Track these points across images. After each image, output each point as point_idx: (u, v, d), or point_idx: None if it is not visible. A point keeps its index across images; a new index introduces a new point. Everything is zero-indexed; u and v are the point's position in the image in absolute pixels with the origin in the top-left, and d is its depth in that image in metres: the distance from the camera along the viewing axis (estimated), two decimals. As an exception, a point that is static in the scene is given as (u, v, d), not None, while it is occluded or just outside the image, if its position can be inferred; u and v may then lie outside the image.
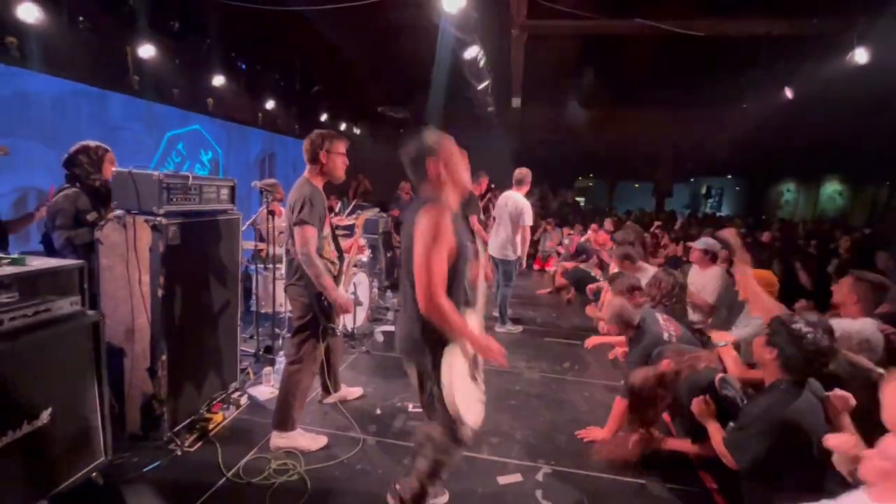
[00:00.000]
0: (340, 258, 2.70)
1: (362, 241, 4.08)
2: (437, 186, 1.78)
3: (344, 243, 2.87)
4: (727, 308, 3.54)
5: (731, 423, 2.05)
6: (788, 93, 7.08)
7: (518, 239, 4.66)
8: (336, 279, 2.58)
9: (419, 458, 1.90)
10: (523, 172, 4.76)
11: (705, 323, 3.70)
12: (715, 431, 2.13)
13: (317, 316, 2.48)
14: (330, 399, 3.04)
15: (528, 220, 4.60)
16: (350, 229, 3.85)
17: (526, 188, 4.77)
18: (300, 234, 2.35)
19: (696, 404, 2.23)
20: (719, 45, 6.57)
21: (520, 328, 4.94)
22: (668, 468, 2.51)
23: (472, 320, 1.80)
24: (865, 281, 2.55)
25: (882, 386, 1.37)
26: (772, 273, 3.29)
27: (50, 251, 2.66)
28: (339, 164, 2.52)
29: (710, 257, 3.94)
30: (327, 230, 2.63)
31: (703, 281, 3.86)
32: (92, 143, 2.76)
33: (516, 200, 4.65)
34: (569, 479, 2.44)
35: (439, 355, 1.68)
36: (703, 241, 4.11)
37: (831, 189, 14.50)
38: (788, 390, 1.88)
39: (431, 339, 1.70)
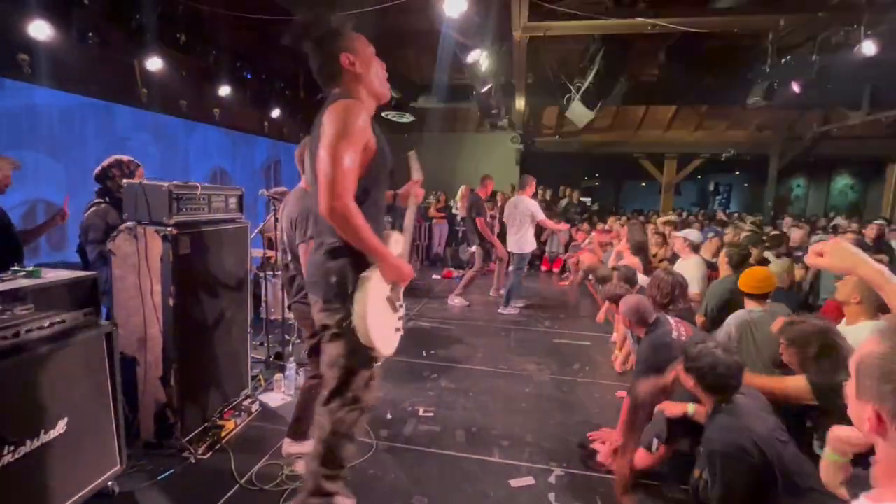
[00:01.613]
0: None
1: None
2: (351, 83, 1.53)
3: None
4: (711, 301, 3.52)
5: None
6: (796, 87, 7.00)
7: (530, 235, 5.50)
8: None
9: (320, 416, 1.62)
10: (525, 178, 5.65)
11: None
12: None
13: None
14: None
15: (541, 214, 5.49)
16: None
17: (530, 190, 5.58)
18: (305, 251, 2.24)
19: None
20: (725, 41, 6.53)
21: (517, 309, 5.60)
22: (683, 470, 2.48)
23: (397, 245, 1.61)
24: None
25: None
26: (764, 269, 3.22)
27: (85, 262, 2.80)
28: None
29: (689, 245, 4.10)
30: None
31: (682, 271, 3.89)
32: (125, 158, 2.86)
33: (525, 202, 5.47)
34: (582, 481, 2.42)
35: (353, 278, 1.45)
36: (685, 232, 4.33)
37: (842, 183, 14.30)
38: (729, 411, 1.86)
39: (347, 251, 1.44)
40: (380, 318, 1.50)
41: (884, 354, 0.75)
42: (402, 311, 1.70)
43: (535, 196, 5.66)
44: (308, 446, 2.49)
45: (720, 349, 1.91)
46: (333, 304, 1.50)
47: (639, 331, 2.86)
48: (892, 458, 0.74)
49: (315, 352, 2.49)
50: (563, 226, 6.37)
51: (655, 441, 2.23)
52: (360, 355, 1.53)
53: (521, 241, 5.49)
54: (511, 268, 5.73)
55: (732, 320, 2.78)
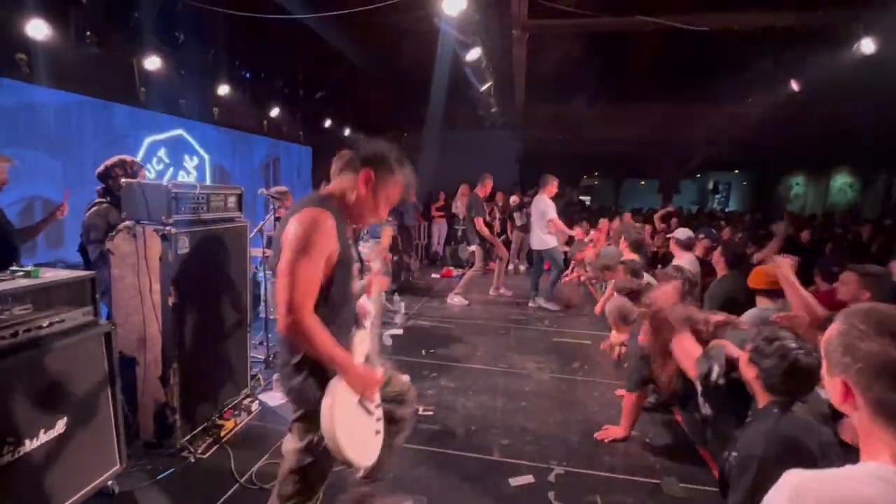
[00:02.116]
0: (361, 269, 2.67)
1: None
2: (349, 191, 1.53)
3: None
4: (712, 303, 3.52)
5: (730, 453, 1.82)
6: (795, 85, 7.01)
7: (546, 231, 5.65)
8: None
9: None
10: (545, 178, 5.78)
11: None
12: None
13: None
14: None
15: (551, 213, 5.64)
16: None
17: (549, 189, 5.70)
18: None
19: None
20: (724, 39, 6.52)
21: (553, 307, 5.68)
22: (683, 468, 2.49)
23: (362, 344, 1.58)
24: (873, 275, 2.49)
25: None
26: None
27: (87, 261, 2.80)
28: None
29: (679, 244, 4.18)
30: None
31: None
32: (128, 158, 2.88)
33: (541, 201, 5.72)
34: (582, 479, 2.42)
35: (320, 384, 1.41)
36: (675, 231, 4.39)
37: (841, 181, 14.31)
38: (785, 417, 1.65)
39: (311, 365, 1.42)
40: (353, 428, 1.46)
41: (844, 331, 0.82)
42: (379, 412, 1.66)
43: (555, 196, 5.82)
44: None
45: (803, 352, 1.65)
46: (304, 423, 1.49)
47: (624, 329, 3.14)
48: (864, 424, 0.81)
49: None
50: (576, 232, 6.43)
51: (717, 368, 2.07)
52: (319, 453, 1.50)
53: (541, 239, 5.74)
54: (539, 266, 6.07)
55: (746, 318, 2.77)
